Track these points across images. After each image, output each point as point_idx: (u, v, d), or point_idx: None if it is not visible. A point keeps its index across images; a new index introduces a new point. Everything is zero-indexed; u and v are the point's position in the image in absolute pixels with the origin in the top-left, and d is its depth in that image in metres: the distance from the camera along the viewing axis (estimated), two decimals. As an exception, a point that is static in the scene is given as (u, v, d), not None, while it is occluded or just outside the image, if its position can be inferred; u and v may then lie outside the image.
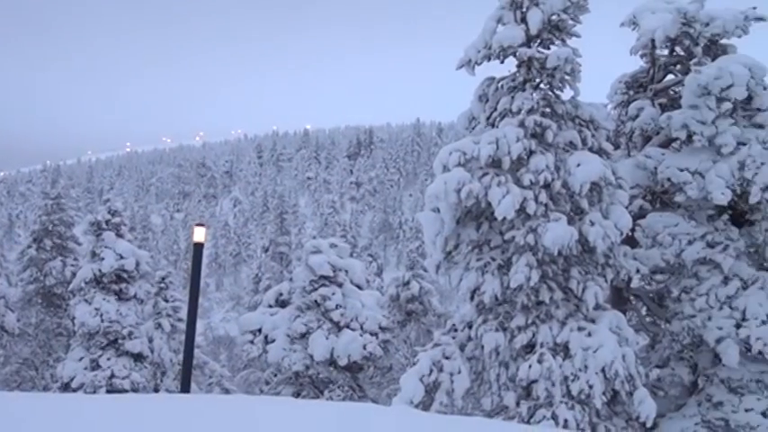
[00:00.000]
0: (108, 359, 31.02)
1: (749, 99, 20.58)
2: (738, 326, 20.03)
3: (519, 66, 20.07)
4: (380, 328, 28.37)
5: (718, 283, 20.38)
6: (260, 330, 29.78)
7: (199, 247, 22.04)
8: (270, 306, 30.49)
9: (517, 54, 19.93)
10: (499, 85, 20.30)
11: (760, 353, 19.90)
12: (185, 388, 21.60)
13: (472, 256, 19.81)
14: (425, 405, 19.13)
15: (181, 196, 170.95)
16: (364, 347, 27.70)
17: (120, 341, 31.30)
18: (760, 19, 21.29)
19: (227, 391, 34.51)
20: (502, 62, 20.16)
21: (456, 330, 20.45)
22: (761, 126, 20.59)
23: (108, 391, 29.57)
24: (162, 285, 34.70)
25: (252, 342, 30.00)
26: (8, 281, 38.45)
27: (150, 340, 32.28)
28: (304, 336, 28.14)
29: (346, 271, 28.80)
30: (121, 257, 31.50)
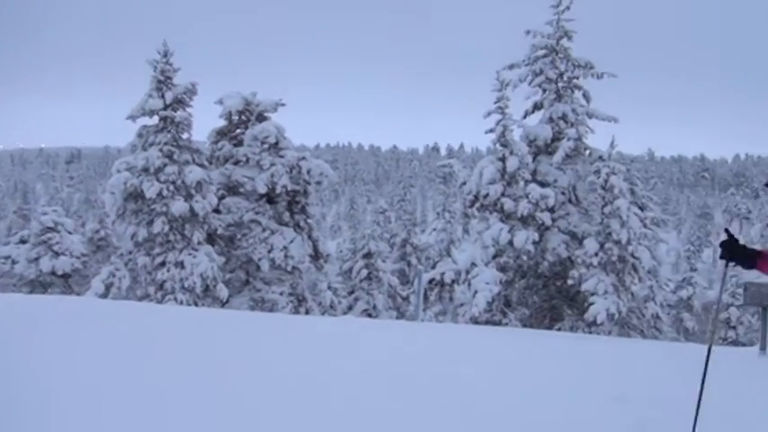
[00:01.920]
0: None
1: (277, 142, 20.88)
2: (270, 251, 20.45)
3: (160, 119, 19.47)
4: (82, 254, 26.62)
5: (260, 232, 20.58)
6: (9, 257, 27.07)
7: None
8: (17, 243, 27.69)
9: (159, 113, 19.37)
10: (150, 129, 19.55)
11: (279, 266, 20.55)
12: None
13: (133, 218, 19.12)
14: (104, 296, 18.38)
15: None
16: (72, 265, 25.89)
17: None
18: (283, 104, 21.76)
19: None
20: (150, 117, 19.48)
21: (123, 255, 19.61)
22: (283, 156, 20.84)
23: None
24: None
25: (4, 263, 27.20)
26: None
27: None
28: (37, 259, 25.84)
29: (63, 224, 26.66)
30: None
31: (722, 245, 3.91)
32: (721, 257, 3.93)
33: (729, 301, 30.60)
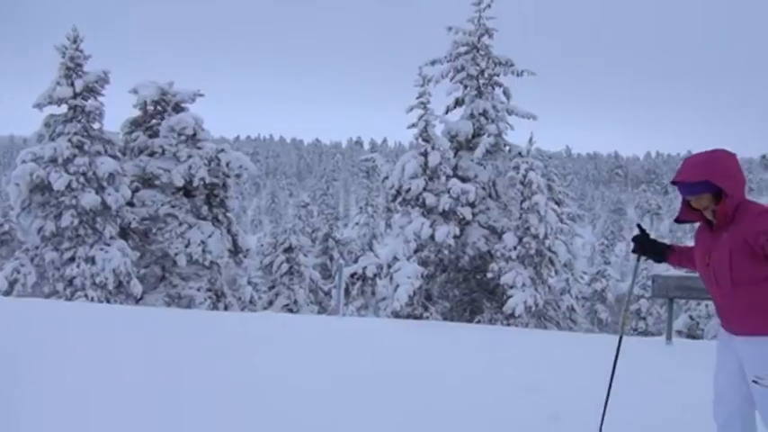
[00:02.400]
0: None
1: (195, 134, 20.28)
2: (187, 246, 19.87)
3: (69, 108, 18.66)
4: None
5: (177, 226, 19.94)
6: None
7: None
8: None
9: (69, 102, 18.59)
10: (58, 118, 18.72)
11: (197, 261, 19.89)
12: None
13: (39, 211, 18.25)
14: (8, 293, 17.44)
15: None
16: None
17: None
18: (201, 95, 21.21)
19: None
20: (59, 106, 18.66)
21: (29, 250, 18.67)
22: (201, 148, 20.42)
23: None
24: None
25: None
26: None
27: None
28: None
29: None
30: None
31: (634, 239, 4.07)
32: (633, 251, 4.09)
33: (640, 293, 32.01)
